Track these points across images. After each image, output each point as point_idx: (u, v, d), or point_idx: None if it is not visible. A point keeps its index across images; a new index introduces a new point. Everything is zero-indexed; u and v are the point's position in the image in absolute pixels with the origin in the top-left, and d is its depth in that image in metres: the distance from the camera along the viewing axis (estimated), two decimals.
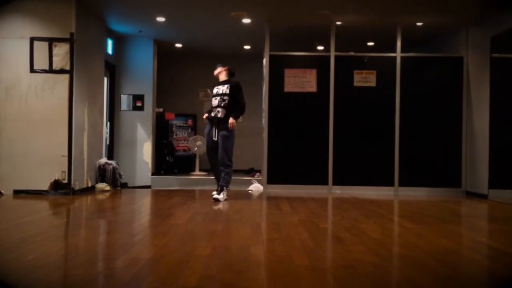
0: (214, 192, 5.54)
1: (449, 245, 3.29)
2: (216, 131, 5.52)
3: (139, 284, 2.21)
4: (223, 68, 5.70)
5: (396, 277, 2.56)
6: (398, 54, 6.97)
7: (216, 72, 5.73)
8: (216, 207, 5.09)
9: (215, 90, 5.71)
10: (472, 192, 6.66)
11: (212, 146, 5.60)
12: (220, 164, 5.50)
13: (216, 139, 5.51)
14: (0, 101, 5.80)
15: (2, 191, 5.77)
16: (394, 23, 6.88)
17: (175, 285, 2.20)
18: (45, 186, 5.78)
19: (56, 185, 5.79)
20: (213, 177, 5.85)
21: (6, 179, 5.77)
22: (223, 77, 5.69)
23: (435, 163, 6.97)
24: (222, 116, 5.49)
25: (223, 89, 5.59)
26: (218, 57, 7.35)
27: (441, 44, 7.66)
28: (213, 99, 5.67)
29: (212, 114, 5.57)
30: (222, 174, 5.51)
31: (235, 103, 5.54)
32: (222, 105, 5.51)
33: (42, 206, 5.04)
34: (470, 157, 6.82)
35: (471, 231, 4.16)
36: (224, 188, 5.52)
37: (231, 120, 5.45)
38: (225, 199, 5.49)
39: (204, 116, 5.73)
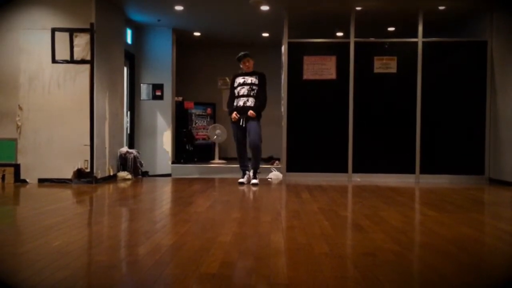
0: (242, 179, 5.96)
1: (472, 233, 3.25)
2: (244, 118, 5.78)
3: (161, 270, 2.25)
4: (253, 60, 5.96)
5: (418, 265, 2.55)
6: (419, 39, 6.83)
7: (250, 64, 5.92)
8: (237, 194, 5.13)
9: (240, 80, 5.89)
10: (496, 179, 6.55)
11: (240, 136, 5.87)
12: (253, 147, 5.77)
13: (243, 125, 5.79)
14: (24, 91, 5.92)
15: (27, 180, 5.91)
16: (415, 7, 6.74)
17: (196, 271, 2.23)
18: (68, 174, 5.90)
19: (79, 174, 5.91)
20: (238, 165, 6.18)
21: (31, 168, 5.91)
22: (251, 67, 5.94)
23: (458, 150, 6.85)
24: (252, 105, 5.80)
25: (251, 79, 5.86)
26: (236, 45, 7.35)
27: (464, 28, 7.48)
28: (240, 88, 5.87)
29: (241, 104, 5.82)
30: (255, 157, 5.85)
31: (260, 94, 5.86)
32: (252, 94, 5.82)
33: (66, 194, 5.15)
34: (493, 143, 6.69)
35: (494, 219, 4.09)
36: (258, 170, 5.97)
37: (252, 112, 5.77)
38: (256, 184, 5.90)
39: (234, 116, 5.84)
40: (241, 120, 5.80)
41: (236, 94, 5.90)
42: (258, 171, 5.99)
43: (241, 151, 5.96)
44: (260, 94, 5.84)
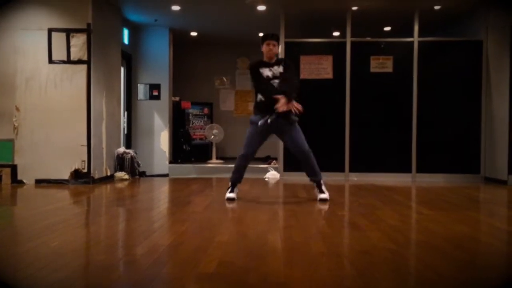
0: (232, 194, 4.56)
1: (467, 231, 3.27)
2: (275, 120, 4.34)
3: (159, 270, 2.26)
4: (278, 47, 4.63)
5: (414, 263, 2.56)
6: (415, 39, 6.86)
7: (274, 50, 4.51)
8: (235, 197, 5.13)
9: (268, 73, 4.45)
10: (491, 178, 6.58)
11: (257, 143, 4.53)
12: (306, 154, 4.63)
13: (270, 127, 4.39)
14: (20, 92, 5.91)
15: (24, 180, 5.90)
16: (411, 7, 6.76)
17: (194, 270, 2.24)
18: (65, 175, 5.90)
19: (76, 174, 5.90)
20: (230, 175, 4.69)
21: (28, 169, 5.90)
22: (273, 54, 4.54)
23: (454, 149, 6.88)
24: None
25: (279, 70, 4.47)
26: (233, 45, 7.35)
27: (460, 28, 7.51)
28: (267, 83, 4.42)
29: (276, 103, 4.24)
30: (312, 166, 4.63)
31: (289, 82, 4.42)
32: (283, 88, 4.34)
33: (63, 194, 5.15)
34: (489, 142, 6.72)
35: (489, 217, 4.12)
36: (322, 181, 4.65)
37: (295, 103, 4.27)
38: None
39: (269, 120, 4.34)
40: (267, 119, 4.33)
41: (265, 89, 4.44)
42: (322, 181, 4.64)
43: (243, 162, 4.57)
44: (290, 79, 4.44)
